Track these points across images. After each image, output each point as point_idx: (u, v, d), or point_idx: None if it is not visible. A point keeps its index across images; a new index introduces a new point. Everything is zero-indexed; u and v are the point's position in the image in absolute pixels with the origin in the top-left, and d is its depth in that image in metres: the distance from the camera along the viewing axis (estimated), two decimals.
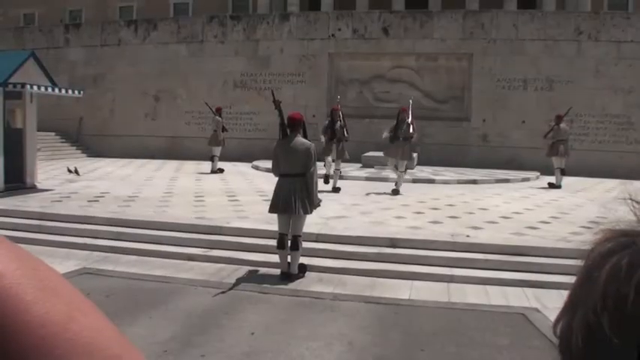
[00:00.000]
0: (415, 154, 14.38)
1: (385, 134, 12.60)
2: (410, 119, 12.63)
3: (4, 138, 11.68)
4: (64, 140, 23.37)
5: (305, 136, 7.46)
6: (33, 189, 12.27)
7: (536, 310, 6.22)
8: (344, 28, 21.27)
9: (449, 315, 6.15)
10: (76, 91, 13.38)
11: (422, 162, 19.10)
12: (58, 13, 31.33)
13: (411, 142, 12.74)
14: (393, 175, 13.52)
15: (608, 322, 0.48)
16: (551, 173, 15.47)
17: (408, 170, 14.23)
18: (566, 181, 15.14)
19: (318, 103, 21.02)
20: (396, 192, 12.71)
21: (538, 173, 17.65)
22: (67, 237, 8.88)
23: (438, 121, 20.52)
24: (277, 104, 7.93)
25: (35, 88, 11.82)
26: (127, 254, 8.32)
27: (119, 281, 7.12)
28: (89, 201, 11.06)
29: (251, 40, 22.02)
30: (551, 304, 6.19)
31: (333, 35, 21.33)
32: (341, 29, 21.29)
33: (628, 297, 0.48)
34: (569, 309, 0.55)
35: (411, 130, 12.46)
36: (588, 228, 8.97)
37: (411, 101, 13.72)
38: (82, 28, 24.43)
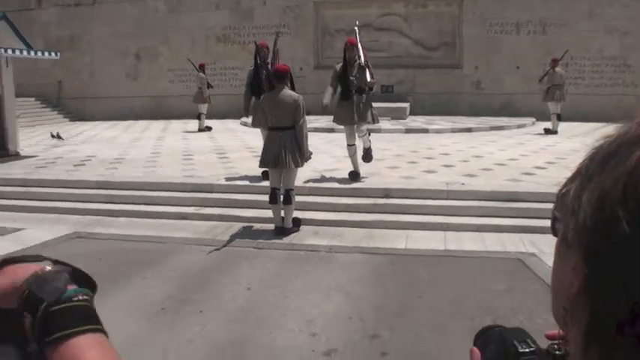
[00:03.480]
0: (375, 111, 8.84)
1: (327, 94, 8.45)
2: (363, 59, 8.35)
3: None
4: (44, 105, 22.88)
5: (293, 89, 7.29)
6: (16, 156, 12.01)
7: (533, 254, 6.20)
8: None
9: (445, 263, 6.12)
10: (53, 54, 13.02)
11: (415, 111, 18.89)
12: None
13: (370, 94, 8.62)
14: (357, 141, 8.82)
15: (624, 209, 0.45)
16: (547, 119, 15.29)
17: (379, 124, 10.62)
18: (563, 126, 14.98)
19: (304, 55, 20.62)
20: (355, 175, 8.79)
21: (534, 119, 17.45)
22: (55, 202, 8.71)
23: (429, 69, 20.21)
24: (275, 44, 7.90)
25: (10, 51, 11.45)
26: (117, 217, 8.18)
27: (112, 243, 7.02)
28: (75, 165, 10.84)
29: None
30: (547, 248, 6.11)
31: None
32: None
33: None
34: (581, 178, 0.52)
35: (367, 77, 8.27)
36: None
37: (357, 29, 8.75)
38: None
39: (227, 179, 9.08)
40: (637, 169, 0.46)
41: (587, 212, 0.49)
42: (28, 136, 15.55)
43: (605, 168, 0.49)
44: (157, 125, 19.10)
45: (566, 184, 0.55)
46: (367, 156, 8.95)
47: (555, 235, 0.56)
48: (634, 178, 0.46)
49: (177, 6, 21.84)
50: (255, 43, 9.19)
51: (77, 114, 22.65)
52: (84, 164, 10.94)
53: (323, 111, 8.49)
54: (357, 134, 8.61)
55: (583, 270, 0.49)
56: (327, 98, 8.42)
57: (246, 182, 8.81)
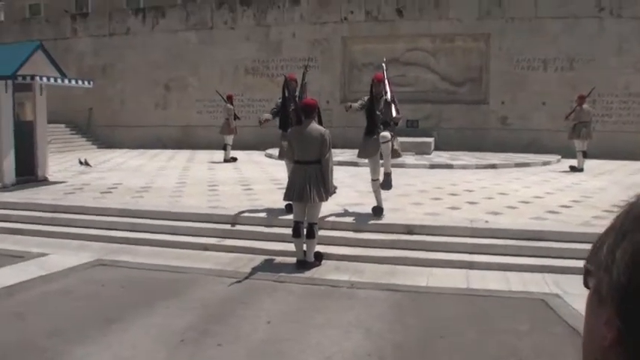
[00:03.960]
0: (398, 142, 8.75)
1: (356, 105, 8.51)
2: (389, 95, 8.29)
3: (14, 131, 11.62)
4: (74, 132, 23.38)
5: (320, 123, 7.34)
6: (45, 181, 12.24)
7: (557, 295, 6.08)
8: (357, 11, 20.97)
9: (468, 302, 6.03)
10: (86, 82, 13.29)
11: (440, 147, 18.87)
12: (63, 3, 31.19)
13: (395, 128, 8.52)
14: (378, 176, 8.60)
15: None
16: (573, 156, 15.14)
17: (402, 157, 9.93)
18: (589, 163, 14.83)
19: (332, 88, 20.82)
20: (378, 210, 8.64)
21: (559, 156, 17.30)
22: (80, 229, 8.83)
23: (456, 104, 20.23)
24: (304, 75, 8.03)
25: (45, 79, 11.73)
26: (141, 245, 8.25)
27: (134, 272, 7.07)
28: (102, 192, 11.00)
29: (262, 25, 21.81)
30: (571, 289, 6.01)
31: (345, 18, 21.06)
32: (354, 12, 20.99)
33: None
34: (615, 234, 0.53)
35: (393, 113, 8.18)
36: (612, 212, 8.74)
37: (384, 65, 8.96)
38: (90, 18, 24.31)
39: (251, 211, 9.12)
40: None
41: (620, 269, 0.50)
42: (57, 162, 15.85)
43: (638, 226, 0.51)
44: (183, 155, 19.33)
45: (600, 239, 0.56)
46: (387, 183, 8.53)
47: (587, 287, 0.58)
48: None
49: (207, 37, 22.28)
50: (285, 76, 9.31)
51: (106, 141, 23.07)
52: (110, 192, 11.10)
53: (346, 109, 8.55)
54: (380, 142, 8.18)
55: (616, 324, 0.50)
56: (354, 105, 8.50)
57: (270, 215, 8.84)
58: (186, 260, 7.56)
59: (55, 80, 12.08)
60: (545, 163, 16.54)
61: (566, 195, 10.77)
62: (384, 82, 8.41)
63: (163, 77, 22.69)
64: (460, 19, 20.19)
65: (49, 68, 12.12)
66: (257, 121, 9.20)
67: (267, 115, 9.13)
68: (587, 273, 0.58)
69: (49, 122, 13.64)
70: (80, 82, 13.22)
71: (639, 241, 0.49)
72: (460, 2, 20.22)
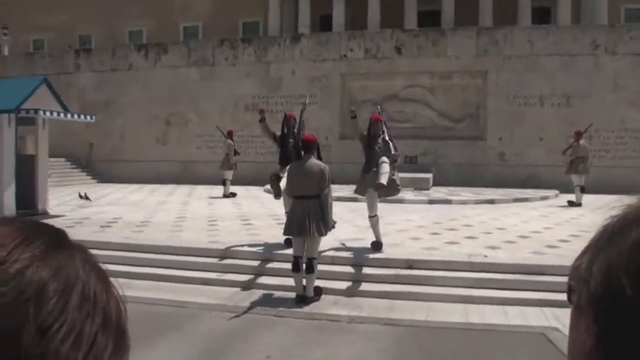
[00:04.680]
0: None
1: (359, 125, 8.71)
2: (386, 134, 8.67)
3: (15, 164, 11.69)
4: (74, 166, 23.51)
5: (319, 158, 7.41)
6: (44, 215, 12.27)
7: (556, 329, 6.09)
8: (356, 49, 21.31)
9: (467, 336, 6.03)
10: (88, 117, 13.43)
11: (438, 182, 18.94)
12: (67, 39, 31.66)
13: (393, 166, 8.58)
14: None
15: (627, 278, 0.53)
16: (571, 191, 15.23)
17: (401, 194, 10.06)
18: (587, 198, 14.89)
19: (331, 124, 21.00)
20: (377, 245, 8.74)
21: (557, 191, 17.38)
22: None
23: (454, 140, 20.42)
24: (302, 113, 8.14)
25: (48, 113, 11.86)
26: (141, 279, 8.23)
27: (134, 306, 6.89)
28: (102, 226, 11.03)
29: (262, 62, 22.11)
30: (567, 345, 6.01)
31: (345, 56, 21.38)
32: (353, 49, 21.33)
33: None
34: (592, 251, 0.59)
35: (391, 150, 8.50)
36: None
37: (379, 107, 9.49)
38: (93, 53, 24.69)
39: (250, 246, 9.14)
40: (636, 245, 0.54)
41: (597, 281, 0.56)
42: (57, 195, 15.89)
43: (611, 243, 0.57)
44: (183, 190, 19.38)
45: (579, 257, 0.62)
46: (377, 245, 8.72)
47: (571, 302, 0.63)
48: (634, 252, 0.54)
49: (208, 74, 22.56)
50: (285, 113, 9.48)
51: (105, 176, 23.15)
52: (110, 226, 11.13)
53: (351, 114, 8.62)
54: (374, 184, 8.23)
55: (595, 330, 0.56)
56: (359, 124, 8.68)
57: (269, 249, 8.87)
58: (186, 294, 7.56)
59: (58, 115, 12.21)
60: (543, 198, 16.61)
61: (565, 229, 10.81)
62: (381, 122, 8.65)
63: (164, 112, 22.90)
64: (458, 56, 20.51)
65: (52, 103, 12.26)
66: (258, 112, 9.47)
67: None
68: (569, 289, 0.63)
69: (50, 156, 13.74)
70: (82, 116, 13.36)
71: (612, 257, 0.55)
72: (458, 40, 20.58)
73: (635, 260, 0.54)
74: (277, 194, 8.69)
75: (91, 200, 15.08)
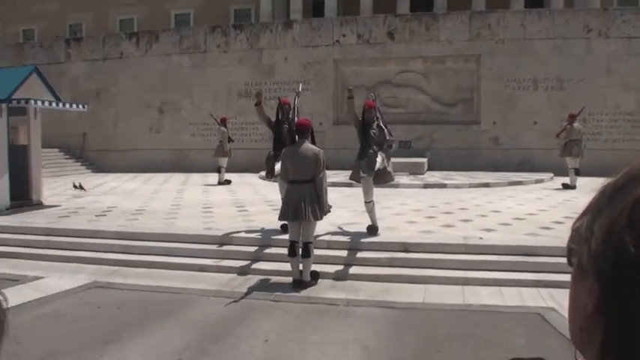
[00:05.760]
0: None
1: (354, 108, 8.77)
2: (381, 120, 8.73)
3: (8, 155, 11.62)
4: (67, 156, 23.39)
5: (313, 143, 7.40)
6: (39, 205, 12.22)
7: (552, 309, 6.13)
8: (348, 34, 21.21)
9: (464, 317, 6.05)
10: (80, 106, 13.33)
11: (433, 167, 18.98)
12: (57, 28, 31.44)
13: (389, 151, 8.86)
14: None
15: (630, 235, 0.53)
16: (565, 174, 15.27)
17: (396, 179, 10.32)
18: (581, 181, 14.94)
19: (324, 110, 20.95)
20: (373, 229, 8.80)
21: (552, 174, 17.44)
22: (75, 252, 8.81)
23: (448, 124, 20.41)
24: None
25: (39, 103, 11.76)
26: (137, 267, 8.24)
27: (130, 294, 7.05)
28: (97, 215, 11.00)
29: (255, 48, 21.99)
30: (567, 303, 6.02)
31: (337, 41, 21.28)
32: (345, 35, 21.23)
33: None
34: (593, 212, 0.59)
35: (386, 136, 8.64)
36: None
37: (372, 94, 9.98)
38: (83, 42, 24.43)
39: (246, 232, 9.14)
40: (639, 201, 0.54)
41: (598, 239, 0.56)
42: (51, 186, 15.83)
43: (612, 201, 0.57)
44: (177, 178, 19.34)
45: (579, 218, 0.62)
46: (373, 229, 8.78)
47: (571, 265, 0.63)
48: (637, 209, 0.54)
49: (200, 61, 22.43)
50: (279, 99, 9.46)
51: (99, 165, 23.07)
52: (105, 215, 11.10)
53: (348, 94, 8.67)
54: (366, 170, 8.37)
55: (597, 290, 0.56)
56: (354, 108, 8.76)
57: (265, 235, 8.87)
58: (183, 281, 7.56)
59: (50, 104, 12.11)
60: (538, 181, 16.65)
61: (559, 211, 10.85)
62: (374, 108, 8.66)
63: (156, 101, 22.78)
64: (450, 41, 20.45)
65: (44, 92, 12.16)
66: (254, 96, 9.32)
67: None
68: (569, 252, 0.63)
69: (43, 147, 13.65)
70: (74, 105, 13.27)
71: (613, 215, 0.55)
72: (450, 25, 20.51)
73: (638, 216, 0.53)
74: (270, 172, 8.69)
75: (85, 190, 15.03)
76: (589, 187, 14.68)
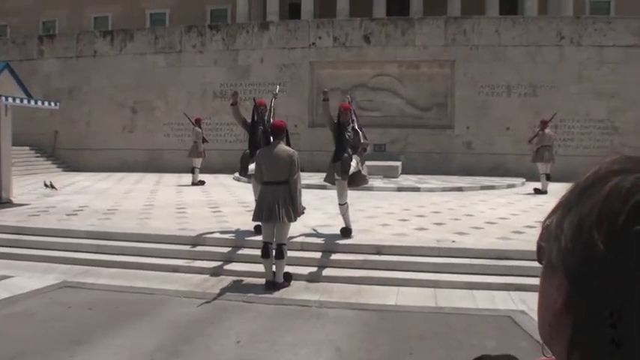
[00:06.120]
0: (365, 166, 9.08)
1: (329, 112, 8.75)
2: (356, 123, 8.71)
3: None
4: (38, 155, 23.03)
5: (288, 144, 7.40)
6: (8, 204, 12.02)
7: (523, 312, 6.21)
8: (324, 37, 21.25)
9: (436, 319, 6.10)
10: (52, 103, 13.15)
11: (407, 170, 19.09)
12: (31, 25, 30.99)
13: (363, 154, 8.84)
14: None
15: (599, 231, 0.54)
16: (537, 179, 15.49)
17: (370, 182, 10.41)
18: (552, 186, 15.14)
19: (300, 112, 20.96)
20: (346, 231, 8.81)
21: (524, 179, 17.67)
22: (45, 251, 8.69)
23: (422, 128, 20.56)
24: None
25: (10, 100, 11.57)
26: (108, 267, 8.15)
27: (101, 294, 6.97)
28: (67, 215, 10.85)
29: (230, 49, 21.91)
30: (537, 306, 6.13)
31: (313, 44, 21.32)
32: (322, 37, 21.27)
33: (620, 216, 0.53)
34: (563, 209, 0.61)
35: (361, 139, 8.62)
36: None
37: (348, 97, 9.88)
38: (57, 40, 24.08)
39: (220, 233, 9.10)
40: (608, 198, 0.55)
41: (568, 236, 0.57)
42: (21, 184, 15.58)
43: (582, 199, 0.58)
44: (151, 178, 19.16)
45: (549, 216, 0.64)
46: (346, 232, 8.81)
47: (540, 262, 0.64)
48: (606, 205, 0.55)
49: (175, 61, 22.27)
50: (255, 100, 9.45)
51: (71, 164, 22.76)
52: (76, 214, 10.95)
53: (323, 96, 8.66)
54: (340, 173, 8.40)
55: (566, 286, 0.57)
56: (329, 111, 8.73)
57: (239, 236, 8.84)
58: (155, 282, 7.50)
59: (22, 101, 11.94)
60: (510, 186, 16.85)
61: (531, 216, 10.98)
62: (350, 111, 8.69)
63: (130, 100, 22.56)
64: (426, 45, 20.62)
65: (15, 89, 11.97)
66: (230, 96, 9.28)
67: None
68: (539, 249, 0.64)
69: (13, 144, 13.42)
70: (46, 103, 13.10)
71: (583, 212, 0.57)
72: (426, 30, 20.68)
73: (607, 213, 0.55)
74: (243, 170, 8.69)
75: (56, 189, 14.82)
76: (560, 193, 14.83)
